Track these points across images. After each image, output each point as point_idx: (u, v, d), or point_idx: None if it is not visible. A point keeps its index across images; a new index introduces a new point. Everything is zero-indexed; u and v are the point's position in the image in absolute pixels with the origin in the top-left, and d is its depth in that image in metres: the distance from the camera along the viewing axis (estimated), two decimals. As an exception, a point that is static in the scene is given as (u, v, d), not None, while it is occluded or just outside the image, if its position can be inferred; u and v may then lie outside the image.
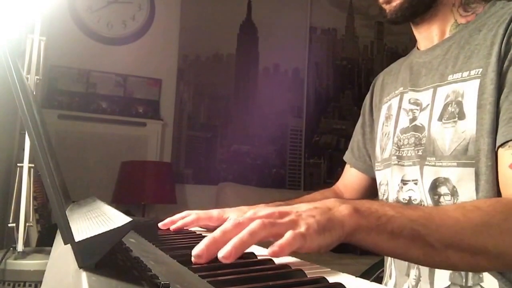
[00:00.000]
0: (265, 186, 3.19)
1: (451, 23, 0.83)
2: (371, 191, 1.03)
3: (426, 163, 0.78)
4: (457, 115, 0.73)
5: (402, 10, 0.81)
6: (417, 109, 0.83)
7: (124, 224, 0.37)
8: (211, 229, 0.78)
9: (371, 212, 0.51)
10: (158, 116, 3.00)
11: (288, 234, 0.44)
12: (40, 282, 0.99)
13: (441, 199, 0.75)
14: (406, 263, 0.82)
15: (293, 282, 0.38)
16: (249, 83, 3.30)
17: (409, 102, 0.85)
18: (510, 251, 0.55)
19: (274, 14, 3.37)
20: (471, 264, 0.56)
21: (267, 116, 3.31)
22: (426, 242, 0.52)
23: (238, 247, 0.43)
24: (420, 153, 0.79)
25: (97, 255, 0.36)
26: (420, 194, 0.79)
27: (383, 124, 0.95)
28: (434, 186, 0.76)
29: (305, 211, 0.49)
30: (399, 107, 0.89)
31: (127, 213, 0.74)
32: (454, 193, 0.73)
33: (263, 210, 0.50)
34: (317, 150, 3.47)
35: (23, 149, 1.31)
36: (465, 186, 0.71)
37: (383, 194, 0.92)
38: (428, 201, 0.77)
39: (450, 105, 0.75)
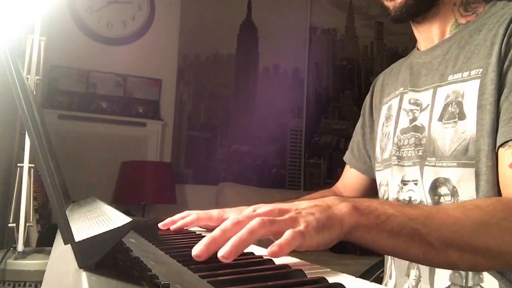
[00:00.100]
0: (265, 186, 3.19)
1: (451, 23, 0.83)
2: (371, 191, 1.03)
3: (426, 163, 0.78)
4: (457, 116, 0.73)
5: (407, 6, 0.80)
6: (417, 110, 0.83)
7: (124, 224, 0.37)
8: (211, 229, 0.78)
9: (371, 210, 0.51)
10: (158, 116, 3.00)
11: (287, 233, 0.44)
12: (40, 282, 0.99)
13: (441, 200, 0.75)
14: (406, 263, 0.82)
15: (293, 282, 0.38)
16: (249, 83, 3.30)
17: (409, 103, 0.85)
18: (510, 250, 0.55)
19: (274, 14, 3.37)
20: (471, 263, 0.56)
21: (267, 116, 3.31)
22: (425, 240, 0.52)
23: (238, 246, 0.43)
24: (420, 153, 0.79)
25: (97, 255, 0.36)
26: (420, 195, 0.79)
27: (383, 124, 0.95)
28: (434, 187, 0.76)
29: (305, 208, 0.49)
30: (399, 108, 0.89)
31: (127, 213, 0.74)
32: (454, 193, 0.73)
33: (263, 207, 0.50)
34: (317, 150, 3.47)
35: (23, 149, 1.31)
36: (465, 187, 0.71)
37: (383, 195, 0.92)
38: (428, 201, 0.77)
39: (450, 105, 0.75)
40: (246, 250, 0.50)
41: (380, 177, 0.94)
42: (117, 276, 0.35)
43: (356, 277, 0.42)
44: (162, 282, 0.33)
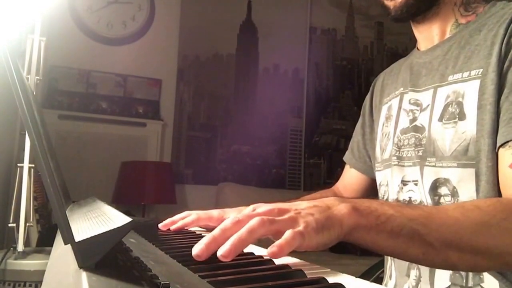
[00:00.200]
0: (265, 186, 3.19)
1: (451, 23, 0.82)
2: (371, 191, 1.03)
3: (426, 163, 0.77)
4: (457, 116, 0.73)
5: (407, 6, 0.80)
6: (417, 110, 0.83)
7: (124, 224, 0.37)
8: (211, 229, 0.78)
9: (371, 211, 0.51)
10: (158, 116, 3.00)
11: (287, 234, 0.44)
12: (40, 282, 0.99)
13: (442, 200, 0.75)
14: (406, 263, 0.82)
15: (293, 283, 0.38)
16: (249, 83, 3.30)
17: (409, 103, 0.85)
18: (510, 251, 0.55)
19: (274, 14, 3.37)
20: (471, 263, 0.56)
21: (267, 116, 3.31)
22: (425, 241, 0.52)
23: (237, 245, 0.43)
24: (420, 153, 0.79)
25: (97, 255, 0.36)
26: (420, 195, 0.79)
27: (383, 124, 0.94)
28: (435, 187, 0.76)
29: (304, 209, 0.49)
30: (399, 108, 0.89)
31: (127, 213, 0.74)
32: (454, 193, 0.73)
33: (262, 206, 0.50)
34: (317, 150, 3.47)
35: (23, 150, 1.31)
36: (465, 187, 0.71)
37: (383, 195, 0.92)
38: (428, 201, 0.77)
39: (450, 105, 0.75)
40: (246, 250, 0.50)
41: (380, 177, 0.94)
42: (117, 276, 0.35)
43: (356, 277, 0.42)
44: (162, 282, 0.33)
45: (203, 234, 0.68)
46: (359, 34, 3.65)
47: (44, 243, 1.56)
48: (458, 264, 0.55)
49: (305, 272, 0.41)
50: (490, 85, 0.69)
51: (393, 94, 0.93)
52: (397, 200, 0.85)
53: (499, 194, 0.67)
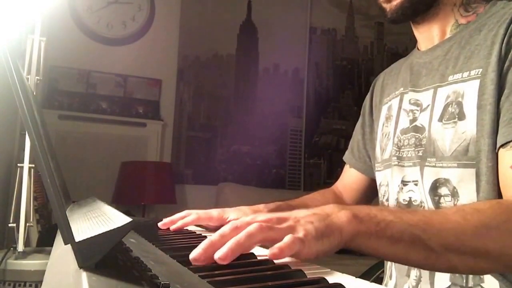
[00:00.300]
0: (265, 186, 3.19)
1: (451, 23, 0.82)
2: (370, 191, 1.03)
3: (427, 164, 0.77)
4: (457, 116, 0.73)
5: (402, 8, 0.81)
6: (418, 110, 0.83)
7: (124, 224, 0.37)
8: (211, 229, 0.78)
9: (370, 218, 0.51)
10: (158, 117, 3.00)
11: (287, 238, 0.45)
12: (41, 282, 0.99)
13: (442, 200, 0.75)
14: (406, 263, 0.82)
15: (293, 283, 0.38)
16: (249, 83, 3.30)
17: (410, 103, 0.85)
18: (510, 253, 0.55)
19: (274, 14, 3.37)
20: (472, 266, 0.56)
21: (267, 116, 3.31)
22: (426, 246, 0.52)
23: (234, 249, 0.44)
24: (420, 153, 0.79)
25: (97, 255, 0.36)
26: (421, 195, 0.79)
27: (383, 124, 0.94)
28: (435, 187, 0.76)
29: (304, 217, 0.49)
30: (399, 108, 0.88)
31: (127, 213, 0.74)
32: (454, 194, 0.73)
33: (262, 215, 0.50)
34: (317, 150, 3.47)
35: (24, 150, 1.31)
36: (465, 187, 0.71)
37: (383, 195, 0.92)
38: (428, 202, 0.77)
39: (450, 105, 0.75)
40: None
41: (380, 177, 0.94)
42: (117, 276, 0.35)
43: (356, 277, 0.42)
44: (162, 282, 0.33)
45: (203, 234, 0.68)
46: (359, 34, 3.65)
47: (44, 243, 1.56)
48: (460, 267, 0.55)
49: (305, 272, 0.41)
50: (490, 85, 0.69)
51: (393, 94, 0.93)
52: (397, 200, 0.85)
53: (499, 194, 0.67)
